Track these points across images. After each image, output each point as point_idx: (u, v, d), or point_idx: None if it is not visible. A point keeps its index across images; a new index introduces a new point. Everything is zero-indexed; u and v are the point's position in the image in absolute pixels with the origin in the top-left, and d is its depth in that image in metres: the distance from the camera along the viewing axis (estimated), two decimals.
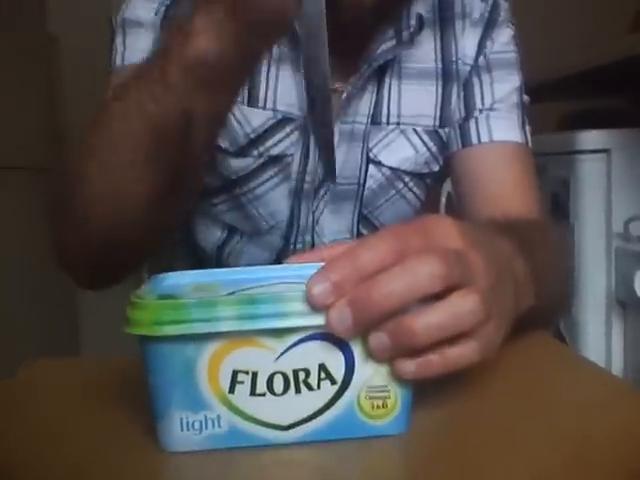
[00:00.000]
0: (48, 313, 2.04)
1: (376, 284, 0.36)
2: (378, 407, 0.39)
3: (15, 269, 1.86)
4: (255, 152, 0.76)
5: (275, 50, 0.74)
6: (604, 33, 1.74)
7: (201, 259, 0.85)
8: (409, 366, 0.38)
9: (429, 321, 0.36)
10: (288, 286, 0.42)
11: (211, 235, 0.83)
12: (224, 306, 0.36)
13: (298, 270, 0.46)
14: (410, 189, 0.82)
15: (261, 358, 0.37)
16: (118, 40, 0.74)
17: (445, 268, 0.36)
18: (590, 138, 1.42)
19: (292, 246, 0.80)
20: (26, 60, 2.03)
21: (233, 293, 0.40)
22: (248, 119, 0.75)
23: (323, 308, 0.36)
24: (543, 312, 0.55)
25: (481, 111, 0.79)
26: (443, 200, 1.47)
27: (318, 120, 0.41)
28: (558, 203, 1.47)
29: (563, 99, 1.96)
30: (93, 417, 0.45)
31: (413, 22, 0.75)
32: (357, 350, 0.38)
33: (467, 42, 0.80)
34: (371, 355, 0.38)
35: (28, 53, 2.05)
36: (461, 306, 0.37)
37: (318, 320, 0.36)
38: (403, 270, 0.36)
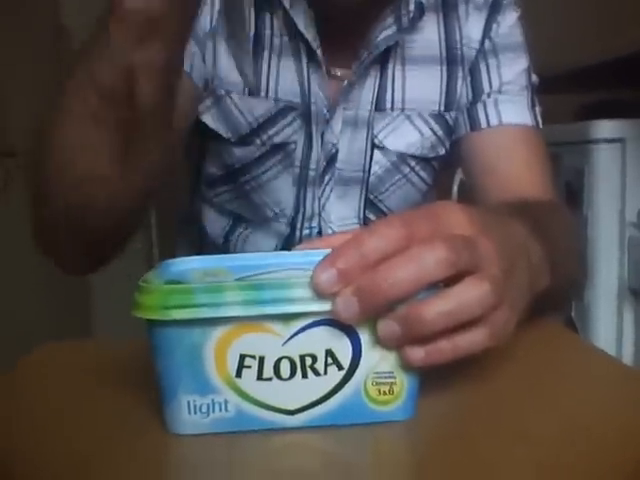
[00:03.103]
0: (60, 296, 2.06)
1: (382, 272, 0.36)
2: (384, 393, 0.39)
3: (28, 252, 1.87)
4: (258, 141, 0.76)
5: (276, 40, 0.75)
6: (621, 24, 1.71)
7: (208, 248, 0.86)
8: (418, 353, 0.37)
9: (438, 308, 0.36)
10: (296, 272, 0.42)
11: (217, 223, 0.83)
12: (231, 291, 0.36)
13: (306, 257, 0.46)
14: (416, 173, 0.82)
15: (268, 343, 0.37)
16: None
17: (452, 254, 0.36)
18: (605, 127, 1.41)
19: (298, 232, 0.80)
20: (40, 51, 2.04)
21: (242, 279, 0.40)
22: (250, 108, 0.75)
23: (329, 296, 0.36)
24: (557, 292, 0.55)
25: (489, 95, 0.78)
26: (455, 188, 1.46)
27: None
28: (572, 192, 1.47)
29: (580, 90, 1.93)
30: (101, 400, 0.46)
31: (412, 8, 0.75)
32: (364, 336, 0.38)
33: (471, 26, 0.79)
34: (379, 342, 0.38)
35: (42, 44, 2.06)
36: (470, 293, 0.37)
37: (325, 306, 0.36)
38: (409, 257, 0.36)
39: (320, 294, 0.36)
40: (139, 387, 0.44)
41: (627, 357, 1.39)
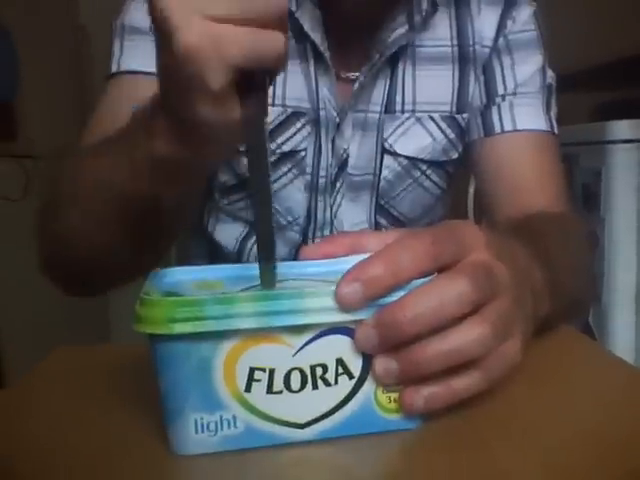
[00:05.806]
0: (79, 300, 2.06)
1: (403, 308, 0.35)
2: (395, 400, 0.38)
3: None
4: None
5: None
6: (638, 23, 1.69)
7: (221, 257, 0.84)
8: (418, 400, 0.37)
9: (439, 347, 0.36)
10: (296, 282, 0.41)
11: (231, 232, 0.81)
12: (242, 303, 0.35)
13: (299, 267, 0.44)
14: (428, 177, 0.79)
15: (279, 354, 0.36)
16: (116, 45, 0.73)
17: (474, 291, 0.36)
18: (622, 128, 1.39)
19: (311, 241, 0.78)
20: (57, 51, 2.06)
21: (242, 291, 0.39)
22: None
23: (350, 309, 0.35)
24: (559, 316, 0.54)
25: (504, 97, 0.76)
26: (471, 190, 1.44)
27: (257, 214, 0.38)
28: (589, 194, 1.45)
29: (596, 89, 1.91)
30: (109, 409, 0.44)
31: (425, 6, 0.72)
32: None
33: (485, 22, 0.76)
34: (375, 379, 0.37)
35: (59, 44, 2.07)
36: (469, 334, 0.36)
37: (340, 317, 0.35)
38: (432, 294, 0.35)
39: (341, 307, 0.35)
40: (150, 395, 0.42)
41: None
